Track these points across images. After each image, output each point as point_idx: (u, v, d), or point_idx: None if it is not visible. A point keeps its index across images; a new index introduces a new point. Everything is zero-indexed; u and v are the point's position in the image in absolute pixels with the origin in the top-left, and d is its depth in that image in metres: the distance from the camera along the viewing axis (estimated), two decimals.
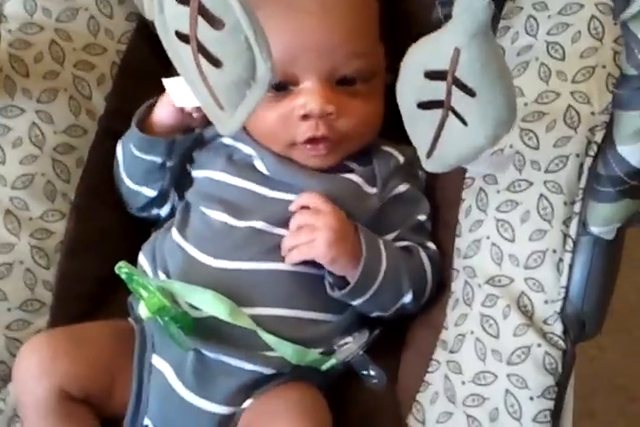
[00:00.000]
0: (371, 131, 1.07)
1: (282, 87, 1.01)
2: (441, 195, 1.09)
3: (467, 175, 1.04)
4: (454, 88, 0.74)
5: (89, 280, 1.09)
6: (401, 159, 1.08)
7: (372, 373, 0.96)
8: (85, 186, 1.10)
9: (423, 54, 0.76)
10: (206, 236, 1.02)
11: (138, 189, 1.10)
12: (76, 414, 0.94)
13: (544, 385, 0.89)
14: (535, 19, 1.04)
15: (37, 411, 0.93)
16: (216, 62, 0.69)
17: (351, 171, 1.06)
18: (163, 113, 1.06)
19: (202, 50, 0.69)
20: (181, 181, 1.11)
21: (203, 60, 0.70)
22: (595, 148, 0.93)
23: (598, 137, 0.93)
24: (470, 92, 0.73)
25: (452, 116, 0.78)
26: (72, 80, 1.11)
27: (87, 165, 1.11)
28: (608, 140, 0.77)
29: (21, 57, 1.08)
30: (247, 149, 1.07)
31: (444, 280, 1.03)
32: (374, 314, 1.02)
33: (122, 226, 1.14)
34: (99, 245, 1.09)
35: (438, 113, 0.79)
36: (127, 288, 0.97)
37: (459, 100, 0.76)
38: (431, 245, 1.05)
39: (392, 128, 1.07)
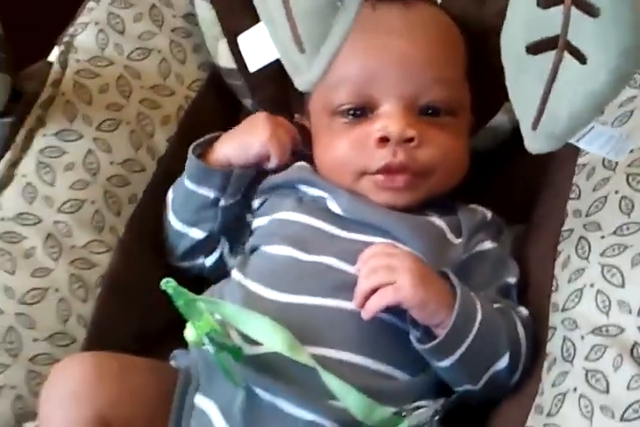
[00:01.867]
0: (455, 170, 0.98)
1: (359, 113, 0.95)
2: (533, 252, 0.98)
3: (564, 228, 0.94)
4: (574, 10, 0.65)
5: (128, 326, 0.98)
6: (488, 215, 0.99)
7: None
8: (136, 224, 1.02)
9: None
10: (269, 270, 0.91)
11: (185, 231, 1.02)
12: None
13: None
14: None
15: None
16: None
17: (432, 216, 0.96)
18: (237, 155, 1.00)
19: None
20: (238, 234, 1.02)
21: None
22: None
23: None
24: (593, 10, 0.63)
25: (567, 58, 0.68)
26: (136, 115, 1.07)
27: (140, 203, 1.03)
28: None
29: (86, 85, 1.05)
30: (317, 192, 0.98)
31: (540, 345, 0.90)
32: (462, 387, 0.87)
33: (171, 275, 1.02)
34: (143, 288, 0.97)
35: (551, 56, 0.69)
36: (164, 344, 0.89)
37: (577, 27, 0.66)
38: (523, 309, 0.92)
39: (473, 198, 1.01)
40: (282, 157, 0.99)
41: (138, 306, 0.98)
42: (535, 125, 0.74)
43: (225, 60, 1.11)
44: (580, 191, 0.95)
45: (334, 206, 0.96)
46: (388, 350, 0.87)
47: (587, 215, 0.92)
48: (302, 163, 1.02)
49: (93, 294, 0.95)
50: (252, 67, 0.96)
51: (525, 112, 0.75)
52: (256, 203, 1.02)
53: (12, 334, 0.88)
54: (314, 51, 0.69)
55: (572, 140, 0.76)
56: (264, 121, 1.00)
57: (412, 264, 0.84)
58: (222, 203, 1.00)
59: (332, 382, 0.80)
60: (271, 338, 0.81)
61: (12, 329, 0.88)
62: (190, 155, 1.00)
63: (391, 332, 0.87)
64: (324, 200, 0.97)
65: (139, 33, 1.11)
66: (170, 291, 0.81)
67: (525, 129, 0.76)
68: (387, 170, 0.93)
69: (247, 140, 1.00)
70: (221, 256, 1.03)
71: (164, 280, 0.81)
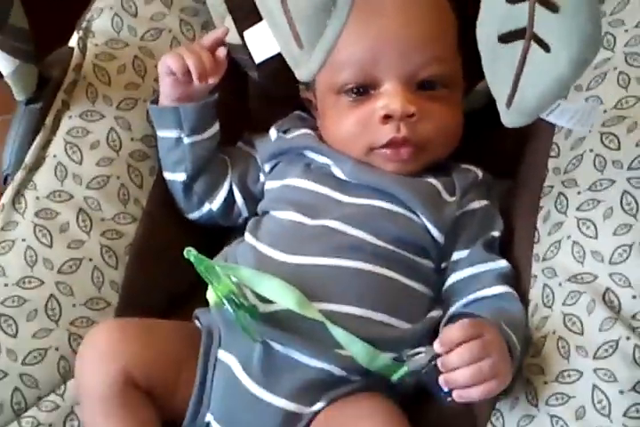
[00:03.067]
0: (452, 138, 1.06)
1: (362, 91, 1.02)
2: (519, 206, 1.06)
3: (545, 184, 1.02)
4: (537, 7, 0.73)
5: (156, 289, 1.07)
6: (480, 174, 1.07)
7: (445, 388, 0.86)
8: (157, 194, 1.11)
9: None
10: (278, 234, 1.01)
11: (172, 178, 1.10)
12: (137, 403, 0.90)
13: (635, 379, 0.83)
14: (612, 34, 1.05)
15: (99, 395, 0.89)
16: None
17: (429, 178, 1.04)
18: (164, 86, 1.06)
19: None
20: (253, 189, 1.11)
21: None
22: None
23: None
24: (553, 7, 0.72)
25: (534, 47, 0.76)
26: (151, 92, 1.13)
27: (159, 174, 1.11)
28: None
29: (105, 67, 1.12)
30: (323, 159, 1.06)
31: (523, 292, 0.99)
32: None
33: (192, 240, 1.11)
34: (167, 254, 1.06)
35: (520, 45, 0.77)
36: (193, 297, 0.96)
37: (541, 20, 0.74)
38: (504, 262, 1.00)
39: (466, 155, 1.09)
40: (183, 67, 1.02)
41: (164, 270, 1.06)
42: (509, 104, 0.83)
43: (231, 35, 1.18)
44: (559, 149, 1.03)
45: (338, 172, 1.04)
46: (387, 301, 0.96)
47: (565, 172, 1.00)
48: (307, 130, 1.10)
49: (123, 261, 1.03)
50: (258, 59, 1.03)
51: (500, 92, 0.84)
52: (267, 166, 1.10)
53: (52, 302, 0.96)
54: (311, 47, 0.78)
55: (542, 116, 0.84)
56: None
57: (502, 350, 0.86)
58: (186, 140, 1.08)
59: (338, 333, 0.90)
60: (282, 297, 0.90)
61: (53, 297, 0.97)
62: (148, 104, 1.08)
63: (390, 285, 0.97)
64: (329, 167, 1.05)
65: (150, 14, 1.18)
66: (192, 259, 0.91)
67: (501, 107, 0.85)
68: (392, 144, 1.01)
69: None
70: (227, 201, 1.11)
71: (186, 249, 0.91)
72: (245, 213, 1.11)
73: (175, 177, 1.10)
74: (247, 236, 1.03)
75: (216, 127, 1.10)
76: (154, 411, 0.91)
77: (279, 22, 0.80)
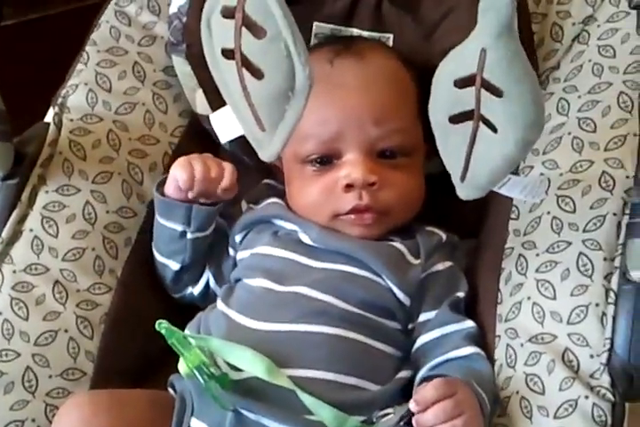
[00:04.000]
0: (414, 203, 1.10)
1: (325, 161, 1.06)
2: (482, 267, 1.09)
3: (506, 246, 1.05)
4: (483, 92, 0.78)
5: (131, 356, 1.09)
6: (444, 237, 1.10)
7: None
8: (132, 264, 1.13)
9: (452, 64, 0.81)
10: (249, 301, 1.03)
11: (165, 262, 1.13)
12: None
13: None
14: (566, 100, 1.10)
15: None
16: (258, 73, 0.74)
17: (394, 241, 1.07)
18: (169, 189, 1.09)
19: (245, 61, 0.75)
20: (223, 268, 1.14)
21: (246, 74, 0.75)
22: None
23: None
24: (498, 92, 0.76)
25: (482, 127, 0.81)
26: (126, 166, 1.17)
27: (135, 245, 1.14)
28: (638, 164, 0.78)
29: (80, 142, 1.15)
30: (290, 226, 1.10)
31: (488, 352, 1.01)
32: None
33: (166, 307, 1.15)
34: (142, 321, 1.08)
35: (469, 126, 0.82)
36: (169, 361, 0.98)
37: (488, 104, 0.79)
38: (470, 323, 1.03)
39: (431, 216, 1.12)
40: (190, 181, 1.05)
41: (139, 337, 1.08)
42: (462, 179, 0.88)
43: (201, 108, 1.22)
44: (519, 212, 1.06)
45: (305, 238, 1.07)
46: (356, 364, 0.98)
47: (525, 234, 1.03)
48: (275, 199, 1.14)
49: (98, 330, 1.05)
50: (223, 140, 1.08)
51: (454, 168, 0.89)
52: (238, 237, 1.14)
53: (29, 373, 0.98)
54: (273, 129, 0.82)
55: (494, 189, 0.89)
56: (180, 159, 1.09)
57: (474, 408, 0.89)
58: (190, 236, 1.10)
59: (306, 399, 0.92)
60: (252, 366, 0.93)
61: (29, 369, 0.99)
62: (154, 191, 1.11)
63: (358, 348, 0.99)
64: (297, 233, 1.09)
65: (124, 89, 1.22)
66: (163, 331, 0.94)
67: (455, 181, 0.90)
68: (355, 211, 1.05)
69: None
70: (208, 286, 1.14)
71: (158, 322, 0.94)
72: (219, 292, 1.12)
73: (169, 263, 1.13)
74: (219, 303, 1.06)
75: (217, 221, 1.14)
76: None
77: (241, 106, 0.84)
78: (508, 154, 0.82)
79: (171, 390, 1.02)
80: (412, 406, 0.87)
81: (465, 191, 0.88)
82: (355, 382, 0.97)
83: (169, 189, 1.09)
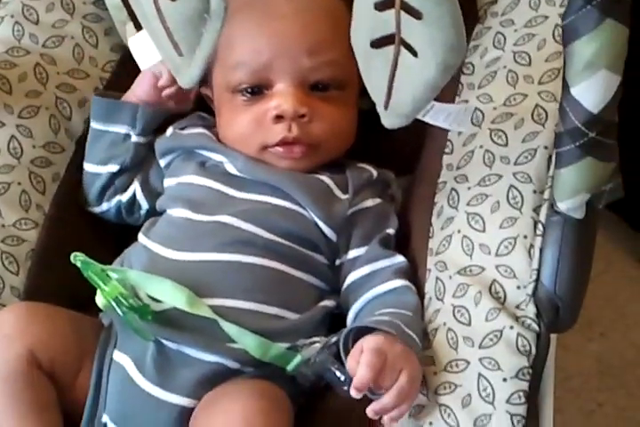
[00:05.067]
0: (345, 138, 1.08)
1: (255, 91, 1.04)
2: (416, 202, 1.08)
3: (439, 180, 1.04)
4: (402, 14, 0.76)
5: (61, 293, 1.06)
6: (374, 173, 1.09)
7: (342, 377, 0.88)
8: (61, 200, 1.11)
9: None
10: (170, 232, 1.02)
11: (98, 171, 1.12)
12: (40, 385, 0.91)
13: (517, 366, 0.85)
14: (502, 34, 1.08)
15: (3, 375, 0.89)
16: None
17: (322, 175, 1.06)
18: (142, 87, 1.09)
19: None
20: (150, 175, 1.13)
21: None
22: None
23: None
24: (417, 15, 0.74)
25: (403, 52, 0.79)
26: (54, 100, 1.14)
27: (63, 181, 1.12)
28: (564, 88, 0.77)
29: (6, 75, 1.12)
30: (218, 157, 1.08)
31: (420, 286, 1.00)
32: None
33: (95, 244, 1.12)
34: (68, 259, 1.06)
35: (391, 50, 0.80)
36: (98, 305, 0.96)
37: (408, 27, 0.77)
38: (400, 258, 1.02)
39: (368, 153, 1.11)
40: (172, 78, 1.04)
41: (67, 275, 1.03)
42: (386, 106, 0.86)
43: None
44: (452, 146, 1.05)
45: (231, 168, 1.05)
46: (277, 293, 0.98)
47: (457, 168, 1.02)
48: (203, 130, 1.12)
49: (24, 267, 1.04)
50: (143, 66, 1.05)
51: (378, 95, 0.87)
52: (162, 162, 1.12)
53: None
54: (190, 53, 0.79)
55: (419, 117, 0.87)
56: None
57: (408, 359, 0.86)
58: (134, 139, 1.10)
59: (229, 328, 0.91)
60: (172, 297, 0.92)
61: None
62: (95, 97, 1.10)
63: (279, 277, 0.99)
64: (223, 164, 1.07)
65: (52, 22, 1.18)
66: (78, 264, 0.92)
67: (379, 109, 0.88)
68: (284, 144, 1.03)
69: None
70: (134, 194, 1.13)
71: (73, 255, 0.93)
72: (146, 206, 1.12)
73: (104, 170, 1.12)
74: (140, 237, 1.04)
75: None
76: (56, 396, 0.92)
77: (157, 30, 0.81)
78: (430, 79, 0.80)
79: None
80: (354, 393, 0.83)
81: (389, 119, 0.86)
82: (276, 312, 0.97)
83: (141, 87, 1.10)
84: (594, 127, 0.77)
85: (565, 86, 0.76)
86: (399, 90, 0.83)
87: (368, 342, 0.85)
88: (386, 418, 0.84)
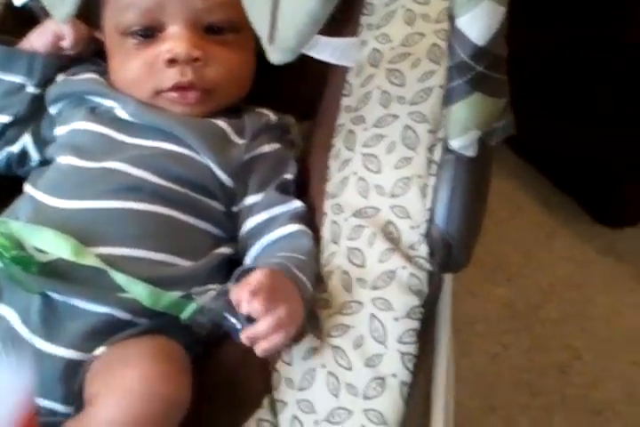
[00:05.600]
0: (241, 83, 1.05)
1: (148, 34, 1.00)
2: (315, 146, 1.06)
3: (337, 123, 1.02)
4: None
5: None
6: (273, 118, 1.06)
7: (237, 324, 0.87)
8: None
9: None
10: (56, 180, 0.98)
11: None
12: None
13: (409, 305, 0.85)
14: None
15: None
16: None
17: (218, 120, 1.03)
18: (40, 40, 1.05)
19: None
20: (42, 126, 1.08)
21: None
22: None
23: None
24: None
25: None
26: None
27: None
28: (450, 20, 0.75)
29: None
30: (109, 102, 1.04)
31: (316, 230, 0.99)
32: None
33: None
34: None
35: None
36: None
37: None
38: (297, 203, 1.00)
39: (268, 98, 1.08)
40: (76, 36, 1.05)
41: None
42: (271, 41, 0.83)
43: None
44: (351, 88, 1.03)
45: (122, 113, 1.02)
46: (167, 240, 0.94)
47: (355, 110, 1.00)
48: (93, 75, 1.07)
49: None
50: (17, 2, 1.01)
51: (262, 29, 0.84)
52: (52, 110, 1.07)
53: None
54: None
55: (305, 51, 0.84)
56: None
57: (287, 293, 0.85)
58: (30, 90, 1.06)
59: (117, 277, 0.88)
60: (57, 247, 0.88)
61: None
62: None
63: (169, 224, 0.95)
64: (114, 109, 1.03)
65: None
66: None
67: (265, 43, 0.85)
68: (177, 88, 1.00)
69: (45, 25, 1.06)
70: (25, 145, 1.07)
71: None
72: (37, 158, 1.08)
73: None
74: (27, 187, 1.00)
75: None
76: None
77: None
78: (312, 10, 0.77)
79: None
80: (243, 337, 0.83)
81: (275, 54, 0.83)
82: (167, 259, 0.94)
83: (41, 43, 1.06)
84: (481, 61, 0.76)
85: (451, 18, 0.75)
86: (283, 23, 0.80)
87: (254, 274, 0.84)
88: (258, 349, 0.83)
